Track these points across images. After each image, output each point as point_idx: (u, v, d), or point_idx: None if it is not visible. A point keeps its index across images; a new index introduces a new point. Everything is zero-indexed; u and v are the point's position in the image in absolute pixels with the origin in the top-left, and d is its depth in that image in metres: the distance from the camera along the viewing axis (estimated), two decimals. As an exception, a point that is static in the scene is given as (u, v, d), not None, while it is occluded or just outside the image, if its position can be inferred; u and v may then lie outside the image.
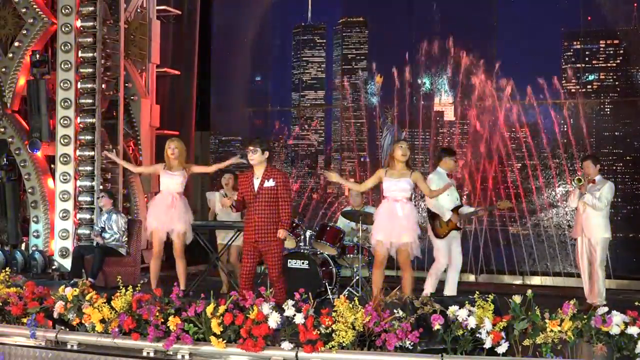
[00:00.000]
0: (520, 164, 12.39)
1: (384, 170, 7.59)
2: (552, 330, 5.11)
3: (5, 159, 11.13)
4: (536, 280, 11.21)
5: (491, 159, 12.09)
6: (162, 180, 8.32)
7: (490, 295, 5.40)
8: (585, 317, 5.19)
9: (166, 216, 8.16)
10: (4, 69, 11.10)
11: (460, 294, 7.56)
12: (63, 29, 10.72)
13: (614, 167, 8.52)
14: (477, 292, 5.45)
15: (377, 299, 5.67)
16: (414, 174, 7.51)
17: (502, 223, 12.01)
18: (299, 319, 5.37)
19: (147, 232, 8.46)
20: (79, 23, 10.75)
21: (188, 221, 8.30)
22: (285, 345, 5.34)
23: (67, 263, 10.44)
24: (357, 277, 8.74)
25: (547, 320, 5.17)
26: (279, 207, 7.16)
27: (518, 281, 11.20)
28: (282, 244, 7.33)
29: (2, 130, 11.06)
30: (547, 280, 11.28)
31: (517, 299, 5.36)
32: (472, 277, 11.14)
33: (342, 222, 9.34)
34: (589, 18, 12.71)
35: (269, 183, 7.12)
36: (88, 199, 10.72)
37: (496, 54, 12.16)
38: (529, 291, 5.33)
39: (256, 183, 7.17)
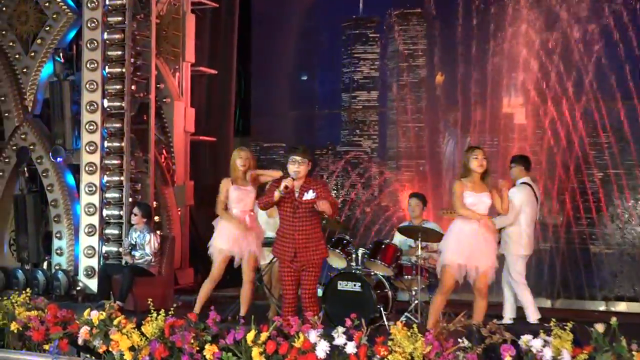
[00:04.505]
0: (602, 173, 12.17)
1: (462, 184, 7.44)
2: (640, 364, 5.04)
3: (25, 169, 11.26)
4: (622, 307, 11.03)
5: (567, 168, 11.92)
6: (232, 196, 8.18)
7: (568, 323, 5.34)
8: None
9: (243, 238, 8.12)
10: (25, 69, 11.27)
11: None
12: (89, 25, 10.84)
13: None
14: (554, 320, 5.40)
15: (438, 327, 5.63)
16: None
17: (582, 241, 11.81)
18: (351, 348, 5.37)
19: (213, 251, 8.30)
20: (105, 18, 10.91)
21: (261, 241, 8.35)
22: (335, 377, 5.35)
23: (93, 284, 10.54)
24: (416, 302, 8.69)
25: (634, 353, 5.10)
26: (327, 205, 6.94)
27: (601, 307, 11.03)
28: (321, 263, 7.27)
29: (23, 137, 11.19)
30: (635, 307, 11.08)
31: (600, 327, 5.29)
32: (548, 303, 11.00)
33: (398, 239, 9.29)
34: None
35: (309, 195, 7.11)
36: (116, 212, 10.75)
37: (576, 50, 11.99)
38: (614, 319, 5.27)
39: (296, 196, 7.15)
